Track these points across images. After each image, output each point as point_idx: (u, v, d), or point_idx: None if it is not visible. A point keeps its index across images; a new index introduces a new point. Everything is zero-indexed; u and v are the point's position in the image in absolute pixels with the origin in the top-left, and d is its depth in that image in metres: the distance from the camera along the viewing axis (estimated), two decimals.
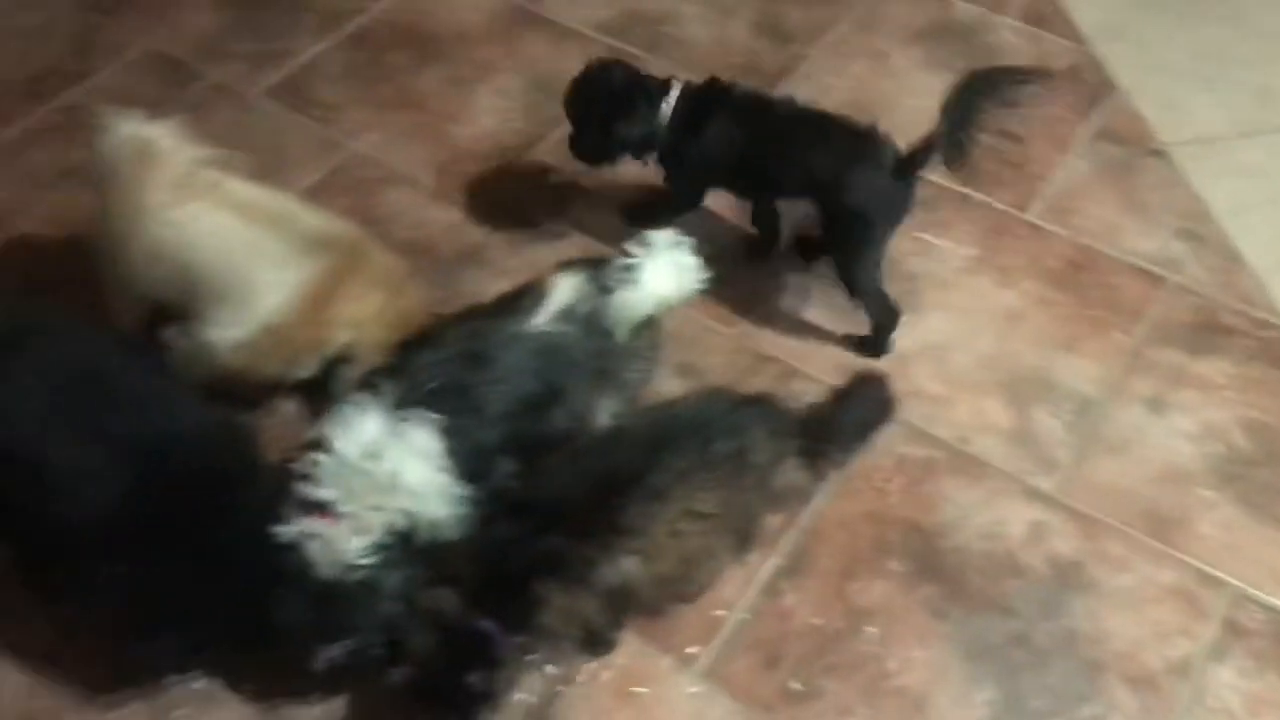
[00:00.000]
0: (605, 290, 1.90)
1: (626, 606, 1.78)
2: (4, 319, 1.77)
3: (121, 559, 1.71)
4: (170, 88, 2.83)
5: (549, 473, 1.83)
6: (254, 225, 2.08)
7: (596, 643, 1.88)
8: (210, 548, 1.72)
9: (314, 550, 1.69)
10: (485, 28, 3.00)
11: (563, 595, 1.67)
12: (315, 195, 2.49)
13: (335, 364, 2.10)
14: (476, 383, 1.82)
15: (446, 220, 2.57)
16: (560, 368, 1.88)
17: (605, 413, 1.98)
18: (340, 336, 2.07)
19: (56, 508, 1.71)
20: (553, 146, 2.70)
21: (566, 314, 1.90)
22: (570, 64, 2.86)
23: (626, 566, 1.70)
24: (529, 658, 1.74)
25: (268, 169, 2.31)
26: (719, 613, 1.99)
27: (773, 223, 2.51)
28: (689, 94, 2.35)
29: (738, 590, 2.01)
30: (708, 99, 2.35)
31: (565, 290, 1.91)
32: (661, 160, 2.39)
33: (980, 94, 2.14)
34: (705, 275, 1.98)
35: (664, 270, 1.89)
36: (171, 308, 2.13)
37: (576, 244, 2.51)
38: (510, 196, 2.62)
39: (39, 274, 2.42)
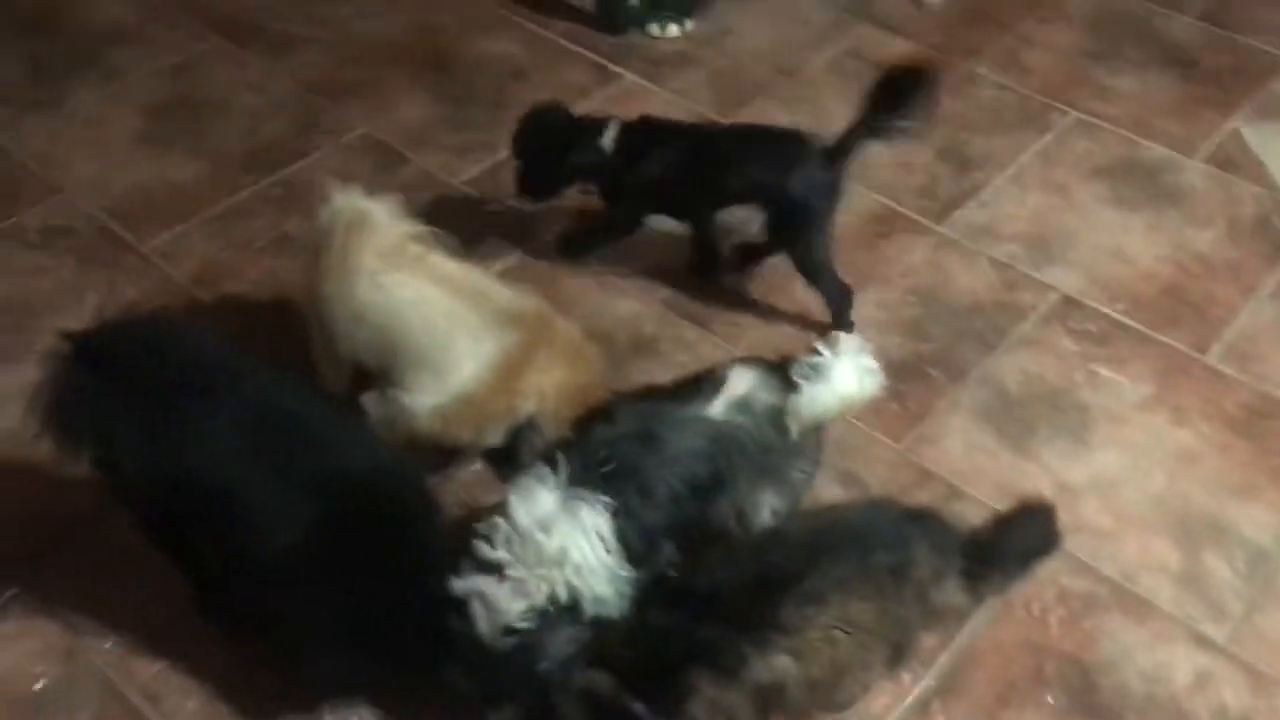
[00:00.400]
0: (786, 386, 1.93)
1: (775, 706, 1.77)
2: (202, 364, 1.91)
3: (297, 591, 1.81)
4: (380, 171, 3.03)
5: (708, 565, 1.86)
6: (454, 297, 2.20)
7: None
8: (381, 586, 1.80)
9: (478, 606, 1.78)
10: None
11: (714, 686, 1.68)
12: (504, 279, 2.61)
13: (519, 433, 2.20)
14: (648, 464, 1.88)
15: (624, 311, 2.68)
16: (730, 456, 1.92)
17: (767, 509, 2.01)
18: (527, 406, 2.17)
19: (243, 541, 1.82)
20: (730, 254, 2.80)
21: (741, 404, 1.94)
22: None
23: (779, 664, 1.71)
24: None
25: (463, 251, 2.45)
26: None
27: (713, 244, 2.74)
28: (627, 127, 2.61)
29: (887, 705, 2.00)
30: (645, 129, 2.62)
31: (743, 381, 1.96)
32: (606, 186, 2.64)
33: (898, 91, 2.38)
34: (883, 383, 2.00)
35: (848, 372, 1.92)
36: (371, 371, 2.27)
37: (747, 345, 2.57)
38: (686, 296, 2.71)
39: (247, 332, 2.60)
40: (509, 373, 2.16)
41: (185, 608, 2.09)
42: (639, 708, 1.66)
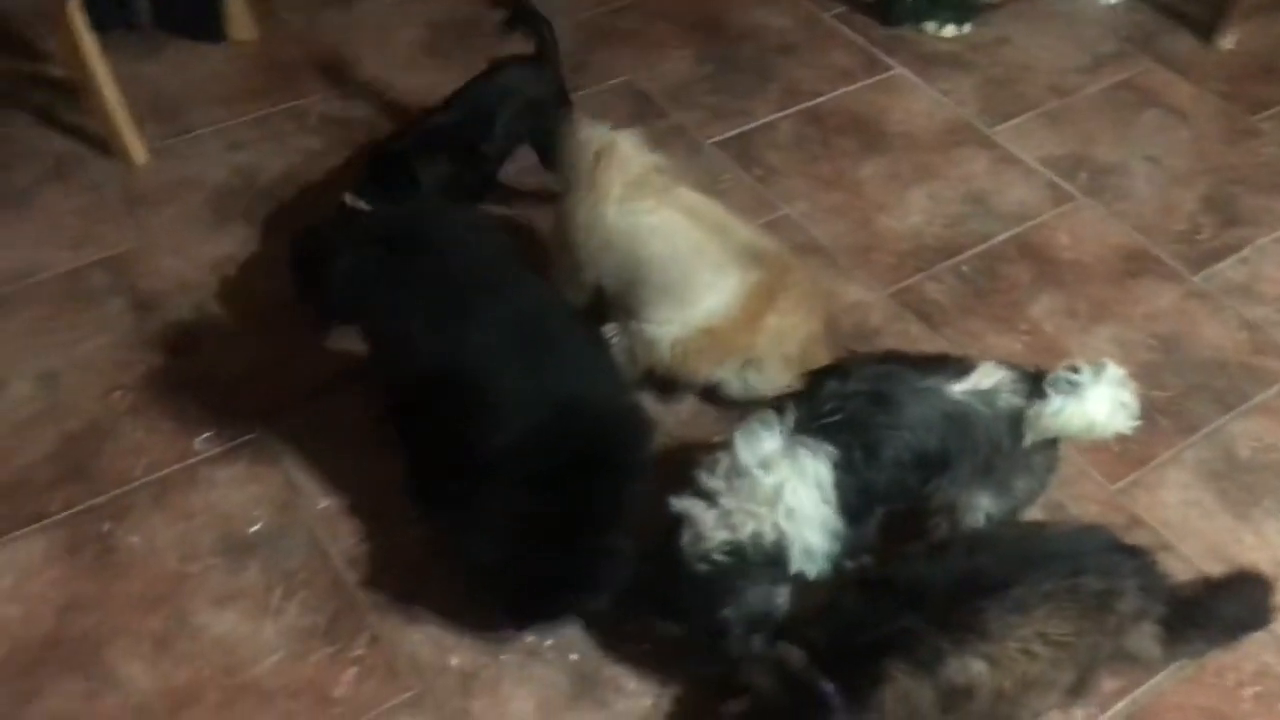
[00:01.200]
0: (1034, 394, 1.90)
1: (958, 710, 1.75)
2: (490, 262, 1.99)
3: (510, 493, 1.88)
4: (636, 119, 3.07)
5: (912, 558, 1.87)
6: (699, 229, 2.23)
7: None
8: (582, 510, 1.87)
9: (685, 527, 1.84)
10: (933, 136, 3.10)
11: (907, 679, 1.68)
12: None
13: (745, 372, 2.22)
14: (877, 424, 1.87)
15: (851, 298, 2.67)
16: (962, 439, 1.89)
17: (981, 513, 1.97)
18: (764, 347, 2.19)
19: (477, 431, 1.90)
20: (972, 258, 2.76)
21: (984, 396, 1.90)
22: (1006, 188, 2.95)
23: (974, 669, 1.69)
24: None
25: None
26: None
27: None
28: (366, 181, 2.54)
29: None
30: (385, 172, 2.54)
31: (991, 375, 1.93)
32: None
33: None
34: (1134, 423, 1.94)
35: (1104, 399, 1.87)
36: (613, 299, 2.32)
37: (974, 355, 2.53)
38: (916, 295, 2.68)
39: None
40: (750, 310, 2.18)
41: (396, 489, 2.20)
42: (828, 686, 1.67)
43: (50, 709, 1.94)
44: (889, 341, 2.56)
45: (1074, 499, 2.29)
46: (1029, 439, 1.90)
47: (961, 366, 1.94)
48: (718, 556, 1.82)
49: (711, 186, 2.88)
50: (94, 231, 2.75)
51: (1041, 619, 1.71)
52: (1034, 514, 2.19)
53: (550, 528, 1.87)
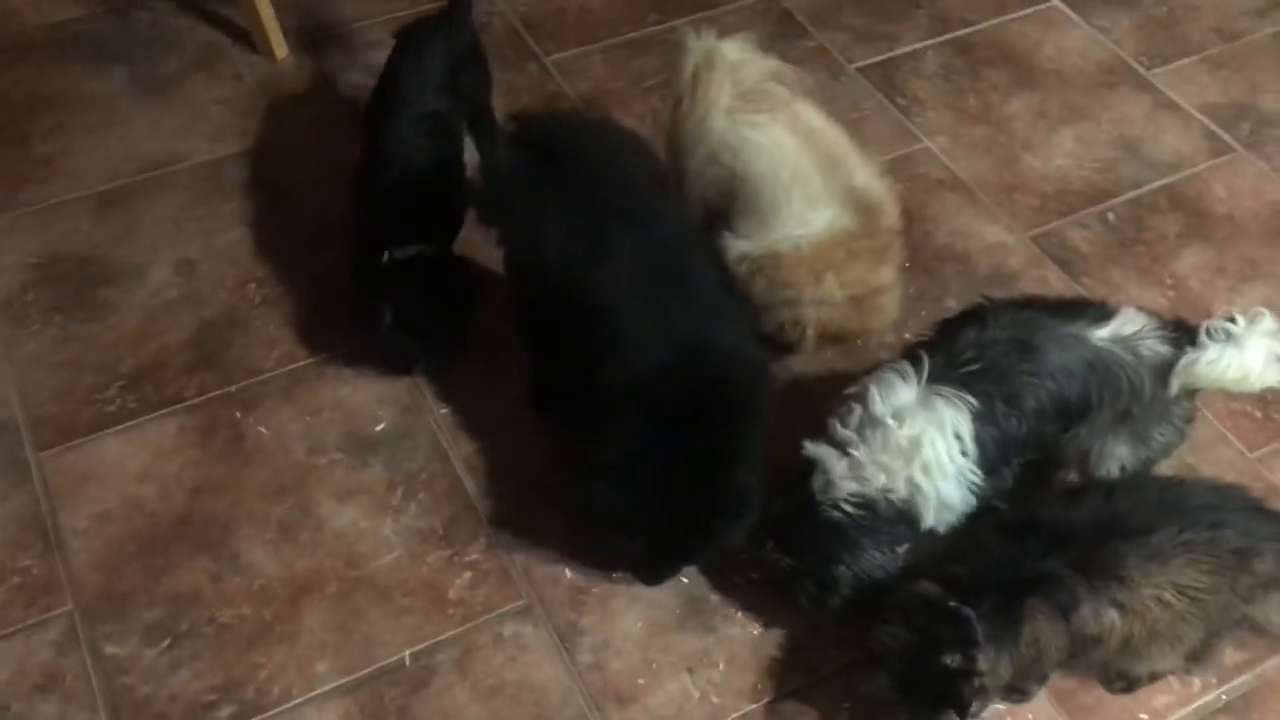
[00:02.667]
0: (1183, 341, 1.84)
1: (1081, 656, 1.73)
2: (635, 189, 1.97)
3: (632, 431, 1.86)
4: (776, 39, 3.00)
5: (1050, 501, 1.83)
6: (808, 156, 2.14)
7: (1014, 689, 1.84)
8: (705, 452, 1.84)
9: (817, 474, 1.82)
10: (1088, 75, 2.97)
11: (1045, 621, 1.66)
12: None
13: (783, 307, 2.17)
14: (1018, 372, 1.81)
15: (989, 239, 2.59)
16: (1104, 387, 1.83)
17: (1116, 462, 1.92)
18: (812, 295, 2.13)
19: (597, 358, 1.89)
20: (1120, 206, 2.65)
21: (1127, 342, 1.84)
22: (1160, 135, 2.81)
23: (1108, 617, 1.67)
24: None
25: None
26: (1144, 718, 1.90)
27: None
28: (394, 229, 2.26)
29: (1168, 706, 1.91)
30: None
31: (1133, 320, 1.87)
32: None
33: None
34: None
35: (1259, 350, 1.79)
36: (712, 213, 2.24)
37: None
38: (1057, 240, 2.59)
39: None
40: (822, 255, 2.11)
41: (520, 401, 2.22)
42: (969, 611, 1.63)
43: (178, 585, 2.02)
44: (1026, 287, 2.48)
45: (1209, 463, 2.20)
46: (1175, 388, 1.84)
47: (1102, 312, 1.88)
48: (847, 507, 1.79)
49: (851, 113, 2.81)
50: (234, 123, 2.79)
51: (1178, 568, 1.68)
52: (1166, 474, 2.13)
53: (672, 472, 1.84)
